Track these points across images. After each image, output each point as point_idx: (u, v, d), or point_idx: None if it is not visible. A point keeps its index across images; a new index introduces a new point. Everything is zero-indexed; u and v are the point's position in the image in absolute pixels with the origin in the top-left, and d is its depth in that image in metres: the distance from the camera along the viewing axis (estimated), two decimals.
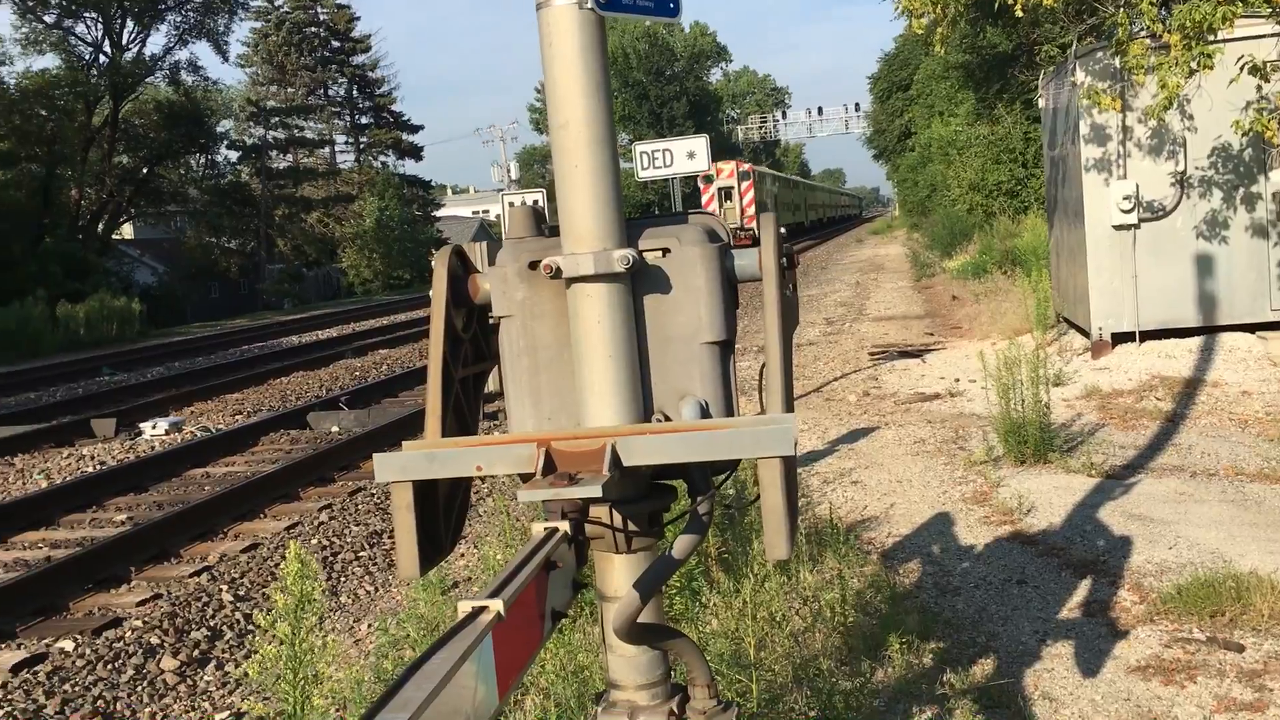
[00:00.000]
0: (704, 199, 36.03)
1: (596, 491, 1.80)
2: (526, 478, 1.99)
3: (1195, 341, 10.51)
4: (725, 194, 39.99)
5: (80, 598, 6.77)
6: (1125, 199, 10.52)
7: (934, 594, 5.36)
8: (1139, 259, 10.66)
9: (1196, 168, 10.50)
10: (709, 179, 37.06)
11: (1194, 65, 8.69)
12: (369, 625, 6.03)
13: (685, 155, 11.30)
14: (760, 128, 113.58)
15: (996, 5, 10.64)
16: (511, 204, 11.17)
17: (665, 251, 2.15)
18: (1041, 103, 13.43)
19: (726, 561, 5.14)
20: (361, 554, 7.49)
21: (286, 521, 8.27)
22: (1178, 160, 10.51)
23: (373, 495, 8.97)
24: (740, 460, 2.21)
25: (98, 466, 11.00)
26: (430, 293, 2.25)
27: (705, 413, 2.15)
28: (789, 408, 2.12)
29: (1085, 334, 11.41)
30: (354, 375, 17.96)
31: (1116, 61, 9.97)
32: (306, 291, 52.02)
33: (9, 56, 50.99)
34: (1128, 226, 10.63)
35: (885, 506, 7.01)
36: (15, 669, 5.59)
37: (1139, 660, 4.44)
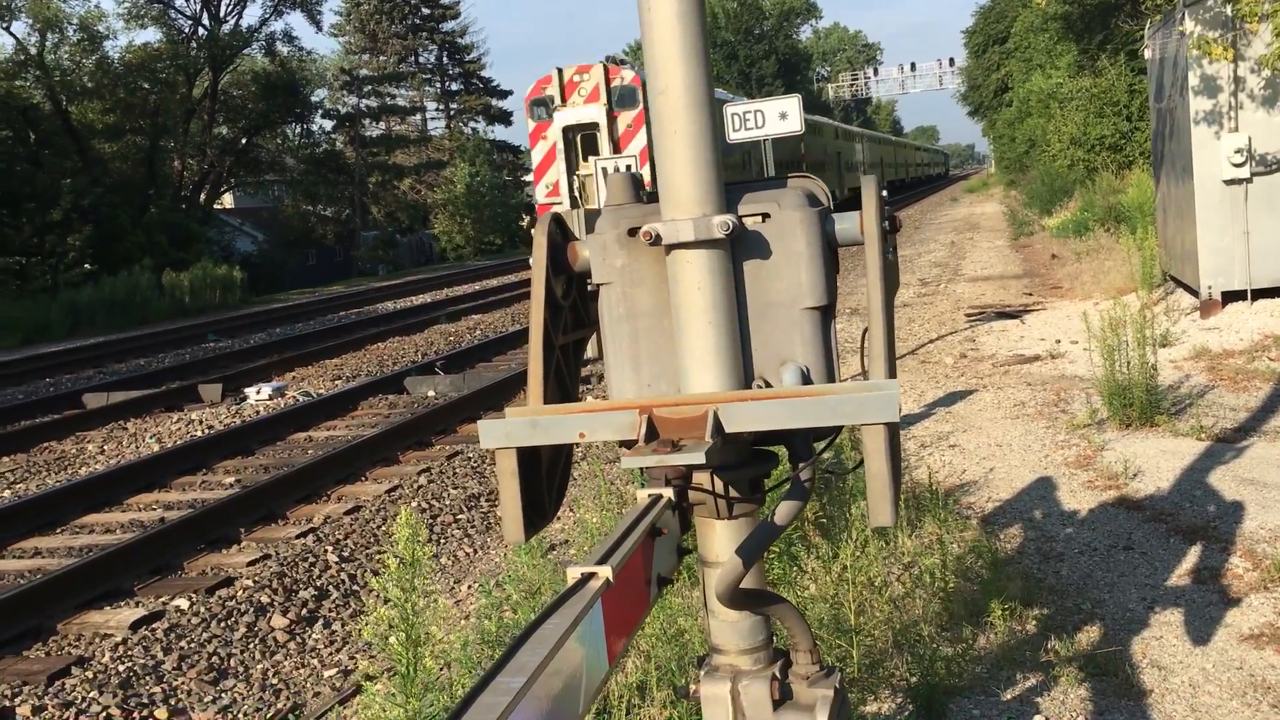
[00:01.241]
0: (535, 158, 21.57)
1: (700, 458, 1.80)
2: (628, 444, 1.99)
3: None
4: (583, 142, 21.28)
5: (193, 558, 7.02)
6: (1237, 152, 10.13)
7: (1036, 560, 5.27)
8: (1251, 214, 10.28)
9: None
10: (540, 114, 21.67)
11: None
12: (469, 587, 6.14)
13: (777, 116, 11.15)
14: (851, 85, 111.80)
15: None
16: (605, 170, 11.14)
17: (765, 216, 2.13)
18: (1147, 53, 12.97)
19: (824, 527, 5.12)
20: (460, 516, 7.62)
21: (386, 485, 8.45)
22: None
23: (469, 459, 9.11)
24: (842, 426, 2.18)
25: (206, 430, 11.36)
26: (530, 260, 2.26)
27: (806, 378, 2.13)
28: (892, 373, 2.09)
29: (1194, 293, 11.05)
30: (448, 340, 18.21)
31: (1228, 9, 9.58)
32: (400, 258, 52.84)
33: (112, 31, 52.54)
34: (1239, 181, 10.25)
35: (984, 471, 6.90)
36: (134, 626, 5.83)
37: (1252, 628, 4.32)
